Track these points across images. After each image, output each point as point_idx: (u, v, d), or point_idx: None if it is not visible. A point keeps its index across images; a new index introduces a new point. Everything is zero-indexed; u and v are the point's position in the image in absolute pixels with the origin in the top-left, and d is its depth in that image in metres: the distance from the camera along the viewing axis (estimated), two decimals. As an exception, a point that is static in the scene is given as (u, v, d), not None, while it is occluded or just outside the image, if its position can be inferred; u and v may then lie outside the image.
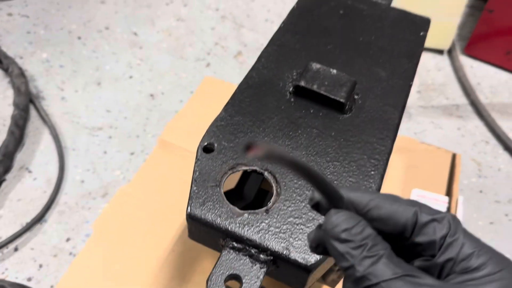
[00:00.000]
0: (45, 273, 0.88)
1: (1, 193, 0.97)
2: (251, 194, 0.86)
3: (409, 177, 0.97)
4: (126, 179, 1.02)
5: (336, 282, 0.66)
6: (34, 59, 1.26)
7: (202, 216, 0.49)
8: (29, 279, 0.87)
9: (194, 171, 0.53)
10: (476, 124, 1.24)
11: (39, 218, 0.93)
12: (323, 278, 0.63)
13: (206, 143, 0.56)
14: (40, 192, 0.99)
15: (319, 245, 0.34)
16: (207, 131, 0.57)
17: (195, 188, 0.51)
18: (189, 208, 0.49)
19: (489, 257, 0.30)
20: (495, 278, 0.29)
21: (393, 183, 0.96)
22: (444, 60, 1.40)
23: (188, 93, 1.22)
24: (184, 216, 0.52)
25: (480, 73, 1.38)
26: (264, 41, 1.35)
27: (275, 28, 1.45)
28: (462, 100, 1.30)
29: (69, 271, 0.81)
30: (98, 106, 1.16)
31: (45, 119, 1.10)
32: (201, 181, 0.52)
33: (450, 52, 1.40)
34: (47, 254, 0.90)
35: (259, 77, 0.65)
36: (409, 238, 0.32)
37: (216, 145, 0.56)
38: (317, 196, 0.33)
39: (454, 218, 0.32)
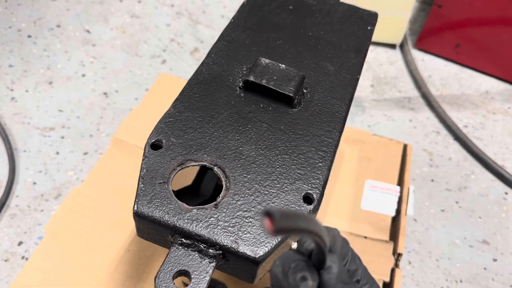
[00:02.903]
0: (-4, 278, 0.85)
1: None
2: (209, 191, 0.86)
3: (362, 168, 0.99)
4: (79, 180, 1.00)
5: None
6: (-19, 59, 1.21)
7: (150, 214, 0.49)
8: (-21, 286, 0.84)
9: (141, 169, 0.52)
10: (427, 116, 1.28)
11: (-11, 223, 0.90)
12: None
13: (153, 140, 0.55)
14: (-11, 196, 0.95)
15: None
16: (155, 128, 0.57)
17: (142, 185, 0.51)
18: (135, 206, 0.49)
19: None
20: None
21: (347, 174, 0.98)
22: (396, 54, 1.44)
23: (143, 90, 1.20)
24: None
25: (431, 66, 1.42)
26: (220, 37, 1.35)
27: (231, 24, 1.45)
28: (414, 92, 1.33)
29: (21, 274, 0.79)
30: (50, 106, 1.13)
31: (-7, 120, 1.07)
32: (148, 178, 0.51)
33: (402, 46, 1.44)
34: (-2, 259, 0.87)
35: (209, 73, 0.65)
36: None
37: (164, 141, 0.55)
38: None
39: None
